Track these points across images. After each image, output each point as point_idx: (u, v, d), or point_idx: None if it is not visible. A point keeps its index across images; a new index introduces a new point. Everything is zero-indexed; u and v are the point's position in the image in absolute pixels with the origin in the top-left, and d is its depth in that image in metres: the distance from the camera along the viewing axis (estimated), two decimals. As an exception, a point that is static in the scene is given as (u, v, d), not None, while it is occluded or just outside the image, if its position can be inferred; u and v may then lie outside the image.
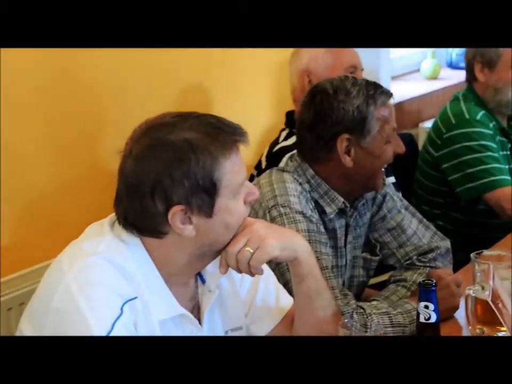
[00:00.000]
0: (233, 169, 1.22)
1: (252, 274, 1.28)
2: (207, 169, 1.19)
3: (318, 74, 2.10)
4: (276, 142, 2.16)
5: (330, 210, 1.67)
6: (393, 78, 3.37)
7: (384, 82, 2.90)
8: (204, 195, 1.19)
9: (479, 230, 2.38)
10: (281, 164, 1.94)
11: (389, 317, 1.58)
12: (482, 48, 2.35)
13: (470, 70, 2.41)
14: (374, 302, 1.64)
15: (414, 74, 3.50)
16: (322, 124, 1.62)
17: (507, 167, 2.36)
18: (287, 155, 1.91)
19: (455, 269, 1.90)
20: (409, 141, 2.72)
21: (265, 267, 1.38)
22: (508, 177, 2.29)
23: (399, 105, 3.02)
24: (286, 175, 1.67)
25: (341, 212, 1.70)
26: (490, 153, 2.28)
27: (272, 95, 2.56)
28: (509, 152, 2.41)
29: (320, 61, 2.13)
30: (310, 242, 1.56)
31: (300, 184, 1.67)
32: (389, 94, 1.65)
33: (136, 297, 1.19)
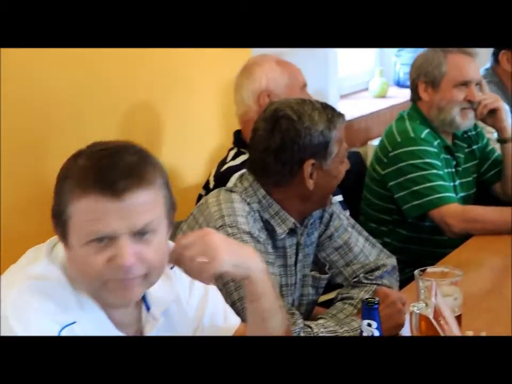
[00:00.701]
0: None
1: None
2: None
3: (278, 94, 2.12)
4: (223, 161, 2.16)
5: (281, 230, 1.68)
6: (342, 96, 3.42)
7: (333, 101, 2.93)
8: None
9: (425, 247, 2.41)
10: (229, 184, 1.94)
11: (336, 335, 1.59)
12: (426, 68, 2.40)
13: (414, 89, 2.45)
14: (321, 321, 1.65)
15: (363, 93, 3.55)
16: (290, 150, 1.64)
17: (452, 184, 2.40)
18: (235, 175, 1.92)
19: (404, 286, 1.93)
20: (357, 159, 2.76)
21: (212, 287, 1.38)
22: (453, 195, 2.33)
23: (348, 124, 3.03)
24: (234, 195, 1.68)
25: (292, 231, 1.72)
26: (435, 171, 2.31)
27: (220, 114, 2.57)
28: (453, 170, 2.45)
29: (280, 80, 2.15)
30: None
31: (249, 204, 1.67)
32: (343, 116, 1.70)
33: (74, 322, 1.18)
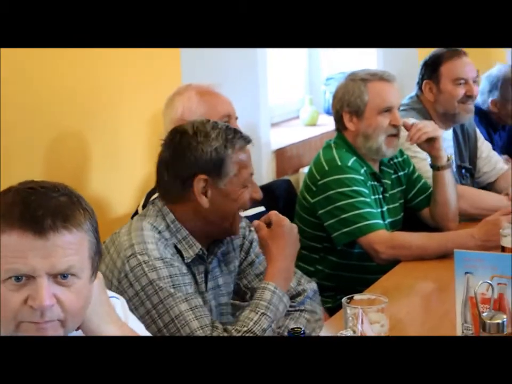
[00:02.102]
0: None
1: None
2: None
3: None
4: (152, 191, 2.14)
5: (187, 255, 1.70)
6: (273, 124, 3.44)
7: (264, 129, 2.95)
8: None
9: (355, 273, 2.43)
10: None
11: None
12: (348, 98, 2.43)
13: (339, 120, 2.48)
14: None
15: (293, 121, 3.59)
16: (180, 162, 1.67)
17: (379, 210, 2.44)
18: (150, 199, 1.90)
19: (335, 312, 1.94)
20: (288, 186, 2.78)
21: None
22: (380, 221, 2.36)
23: (280, 152, 3.07)
24: (145, 223, 1.68)
25: (200, 258, 1.73)
26: (362, 198, 2.34)
27: (149, 143, 2.55)
28: (381, 196, 2.49)
29: (195, 110, 2.14)
30: (174, 287, 1.60)
31: (160, 232, 1.68)
32: (247, 140, 1.73)
33: None
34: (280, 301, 1.71)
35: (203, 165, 1.66)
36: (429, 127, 2.44)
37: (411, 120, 2.50)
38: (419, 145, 2.49)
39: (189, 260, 1.70)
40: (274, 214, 1.82)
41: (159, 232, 1.68)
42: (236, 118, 2.24)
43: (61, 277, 1.14)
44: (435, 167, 2.47)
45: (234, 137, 1.69)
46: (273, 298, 1.69)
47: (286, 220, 1.81)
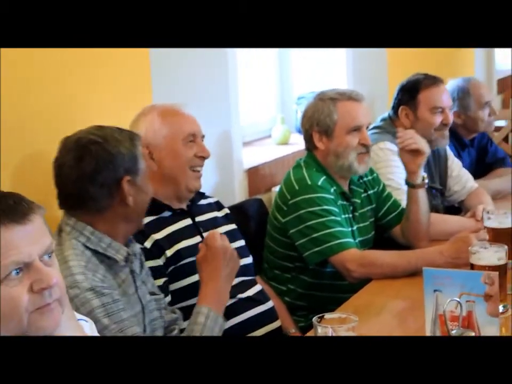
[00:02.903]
0: None
1: None
2: None
3: (156, 145, 2.10)
4: None
5: (119, 258, 1.74)
6: (245, 143, 3.45)
7: (236, 148, 2.96)
8: None
9: (328, 292, 2.43)
10: None
11: None
12: (318, 118, 2.44)
13: (309, 139, 2.50)
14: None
15: (266, 140, 3.60)
16: (106, 171, 1.71)
17: (350, 229, 2.44)
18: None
19: (307, 332, 1.94)
20: (259, 206, 2.78)
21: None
22: (351, 240, 2.37)
23: (252, 171, 3.08)
24: (66, 254, 1.69)
25: (125, 260, 1.77)
26: (333, 217, 2.35)
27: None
28: (351, 215, 2.50)
29: (158, 131, 2.12)
30: (108, 316, 1.62)
31: (83, 251, 1.70)
32: (139, 135, 1.83)
33: None
34: (215, 323, 1.73)
35: (125, 167, 1.74)
36: (422, 141, 2.47)
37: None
38: (402, 155, 2.50)
39: (122, 262, 1.75)
40: (209, 235, 1.88)
41: (83, 251, 1.71)
42: (203, 136, 2.22)
43: (46, 256, 1.19)
44: (410, 184, 2.49)
45: (132, 134, 1.79)
46: (207, 321, 1.72)
47: (219, 241, 1.86)
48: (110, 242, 1.73)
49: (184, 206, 2.18)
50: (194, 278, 2.02)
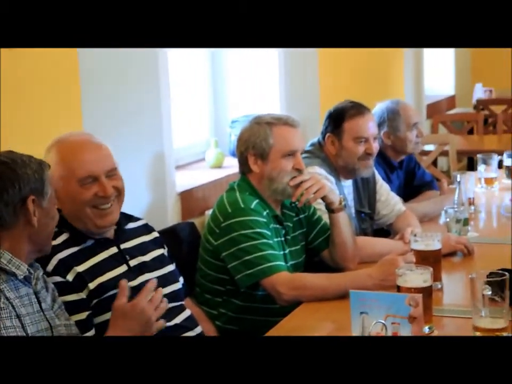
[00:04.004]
0: None
1: None
2: None
3: (54, 184, 1.91)
4: None
5: (19, 273, 1.75)
6: (179, 167, 3.46)
7: (169, 171, 2.96)
8: None
9: (259, 316, 2.44)
10: (50, 266, 2.00)
11: None
12: (254, 141, 2.47)
13: (243, 162, 2.52)
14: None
15: (199, 163, 3.62)
16: (11, 189, 1.74)
17: (282, 253, 2.47)
18: (57, 255, 2.00)
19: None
20: (191, 229, 2.78)
21: None
22: (283, 263, 2.39)
23: (186, 194, 3.08)
24: None
25: (26, 279, 1.78)
26: (265, 240, 2.37)
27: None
28: (283, 239, 2.52)
29: (54, 171, 1.98)
30: None
31: None
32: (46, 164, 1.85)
33: None
34: None
35: (30, 187, 1.76)
36: (315, 186, 2.45)
37: (300, 178, 2.47)
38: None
39: (22, 277, 1.76)
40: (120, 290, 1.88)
41: None
42: (112, 171, 2.08)
43: None
44: (330, 210, 2.53)
45: (40, 162, 1.81)
46: None
47: (119, 301, 1.87)
48: (10, 258, 1.75)
49: (108, 234, 2.13)
50: None
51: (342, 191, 2.87)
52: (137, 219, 2.27)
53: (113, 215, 2.10)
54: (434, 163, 5.12)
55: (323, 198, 2.50)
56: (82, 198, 2.04)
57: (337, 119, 2.89)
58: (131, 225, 2.23)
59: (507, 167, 3.77)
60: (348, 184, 2.96)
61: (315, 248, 2.63)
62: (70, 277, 2.00)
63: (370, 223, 3.03)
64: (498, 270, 1.98)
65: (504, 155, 3.78)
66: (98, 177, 2.05)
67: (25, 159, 1.79)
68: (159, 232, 2.35)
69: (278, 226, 2.51)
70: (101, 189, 2.05)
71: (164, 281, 2.15)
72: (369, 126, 2.88)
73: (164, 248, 2.29)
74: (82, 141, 2.10)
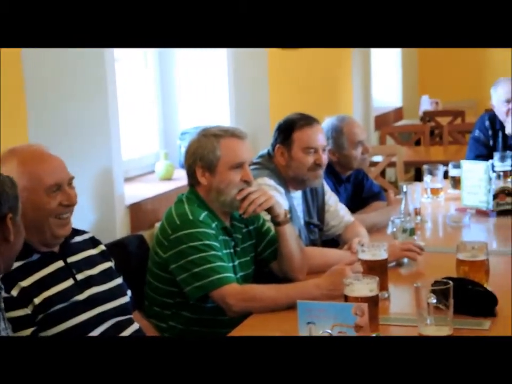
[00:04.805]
0: None
1: None
2: None
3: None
4: None
5: None
6: (128, 179, 3.44)
7: (118, 183, 2.93)
8: None
9: (209, 328, 2.44)
10: None
11: None
12: (201, 153, 2.48)
13: (191, 174, 2.52)
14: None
15: (149, 176, 3.60)
16: None
17: (231, 264, 2.47)
18: None
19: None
20: (140, 242, 2.76)
21: None
22: (232, 275, 2.39)
23: (135, 207, 3.06)
24: None
25: None
26: (214, 252, 2.37)
27: None
28: (232, 250, 2.52)
29: (17, 182, 1.90)
30: None
31: None
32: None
33: None
34: None
35: (9, 205, 1.74)
36: (262, 198, 2.46)
37: (249, 189, 2.48)
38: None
39: None
40: None
41: None
42: (70, 179, 2.09)
43: None
44: (275, 222, 2.55)
45: (10, 180, 1.78)
46: None
47: None
48: None
49: (54, 248, 2.11)
50: (66, 325, 1.98)
51: (291, 202, 2.90)
52: (83, 232, 2.25)
53: (70, 225, 2.11)
54: (383, 174, 5.20)
55: (269, 211, 2.51)
56: (48, 207, 2.02)
57: (287, 130, 2.92)
58: (77, 238, 2.20)
59: (452, 177, 3.85)
60: (297, 195, 2.99)
61: (264, 259, 2.64)
62: (14, 292, 1.96)
63: (320, 234, 3.06)
64: (443, 278, 2.03)
65: (450, 166, 3.86)
66: (62, 185, 2.05)
67: (1, 177, 1.74)
68: (107, 245, 2.34)
69: (227, 238, 2.51)
70: (65, 197, 2.05)
71: (111, 294, 2.13)
72: (318, 136, 2.91)
73: (111, 261, 2.27)
74: (42, 151, 2.09)
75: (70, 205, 2.06)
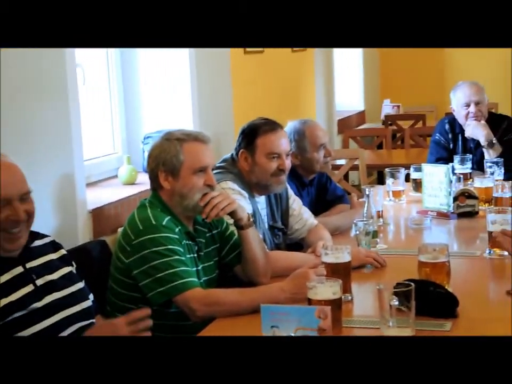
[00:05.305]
0: None
1: None
2: None
3: None
4: None
5: None
6: (91, 184, 3.40)
7: (80, 188, 2.90)
8: None
9: (172, 333, 2.42)
10: None
11: None
12: (164, 157, 2.46)
13: (154, 178, 2.51)
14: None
15: (112, 180, 3.57)
16: None
17: (195, 269, 2.46)
18: None
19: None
20: (102, 248, 2.74)
21: None
22: (196, 279, 2.38)
23: (97, 212, 3.03)
24: None
25: None
26: (177, 257, 2.36)
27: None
28: (196, 255, 2.51)
29: None
30: None
31: None
32: None
33: None
34: None
35: None
36: (224, 202, 2.46)
37: (212, 194, 2.47)
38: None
39: None
40: None
41: None
42: (24, 195, 2.01)
43: None
44: (238, 226, 2.55)
45: None
46: None
47: None
48: None
49: (13, 253, 2.06)
50: (26, 333, 1.95)
51: (255, 206, 2.90)
52: (44, 236, 2.21)
53: (22, 240, 2.04)
54: (346, 177, 5.24)
55: (232, 215, 2.51)
56: None
57: (250, 136, 2.92)
58: (37, 242, 2.17)
59: (414, 180, 3.89)
60: (261, 199, 2.99)
61: (228, 263, 2.64)
62: None
63: (284, 237, 3.07)
64: (405, 280, 2.05)
65: (411, 169, 3.91)
66: (12, 200, 1.98)
67: None
68: (69, 250, 2.31)
69: (190, 242, 2.50)
70: (13, 213, 1.98)
71: (73, 299, 2.11)
72: (282, 142, 2.92)
73: (73, 266, 2.24)
74: None
75: (17, 221, 1.98)
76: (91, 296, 2.24)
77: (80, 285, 2.20)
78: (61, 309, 2.07)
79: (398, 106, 7.44)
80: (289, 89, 5.74)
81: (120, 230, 3.05)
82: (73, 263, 2.25)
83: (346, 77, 7.69)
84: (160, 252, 2.34)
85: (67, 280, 2.15)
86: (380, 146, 6.15)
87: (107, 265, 2.55)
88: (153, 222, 2.39)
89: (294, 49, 5.76)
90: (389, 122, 6.86)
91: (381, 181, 5.63)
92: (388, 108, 7.42)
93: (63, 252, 2.23)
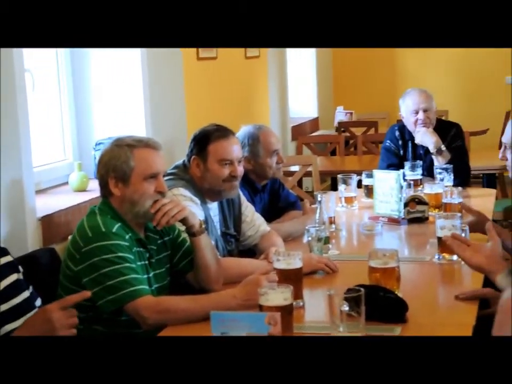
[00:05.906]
0: None
1: None
2: None
3: None
4: None
5: None
6: (40, 191, 3.35)
7: (29, 196, 2.86)
8: None
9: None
10: None
11: None
12: (114, 164, 2.44)
13: (104, 185, 2.48)
14: None
15: (62, 187, 3.52)
16: None
17: (146, 276, 2.44)
18: None
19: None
20: (51, 255, 2.70)
21: None
22: (146, 287, 2.36)
23: (46, 218, 2.98)
24: None
25: None
26: (128, 264, 2.33)
27: None
28: (147, 262, 2.49)
29: None
30: None
31: None
32: None
33: None
34: None
35: None
36: (175, 209, 2.44)
37: (163, 200, 2.46)
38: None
39: None
40: None
41: None
42: None
43: None
44: (190, 233, 2.54)
45: None
46: None
47: None
48: None
49: None
50: None
51: (208, 213, 2.89)
52: None
53: None
54: (299, 183, 5.27)
55: (183, 222, 2.50)
56: None
57: (202, 142, 2.91)
58: None
59: (365, 186, 3.93)
60: (213, 206, 2.98)
61: (180, 270, 2.62)
62: None
63: (236, 244, 3.06)
64: (356, 286, 2.06)
65: (363, 175, 3.95)
66: None
67: None
68: (17, 258, 2.27)
69: (141, 249, 2.48)
70: None
71: (20, 310, 2.06)
72: (234, 148, 2.92)
73: (19, 272, 2.19)
74: None
75: None
76: (38, 302, 2.19)
77: (26, 294, 2.16)
78: (8, 321, 2.03)
79: (351, 113, 7.51)
80: (243, 96, 5.75)
81: (70, 238, 3.02)
82: (20, 269, 2.21)
83: (300, 84, 7.74)
84: (110, 259, 2.32)
85: (13, 287, 2.11)
86: (333, 153, 6.20)
87: (56, 274, 2.51)
88: (103, 229, 2.37)
89: (248, 55, 5.78)
90: (342, 129, 6.92)
91: (334, 187, 5.66)
92: (341, 115, 7.48)
93: (9, 258, 2.18)
